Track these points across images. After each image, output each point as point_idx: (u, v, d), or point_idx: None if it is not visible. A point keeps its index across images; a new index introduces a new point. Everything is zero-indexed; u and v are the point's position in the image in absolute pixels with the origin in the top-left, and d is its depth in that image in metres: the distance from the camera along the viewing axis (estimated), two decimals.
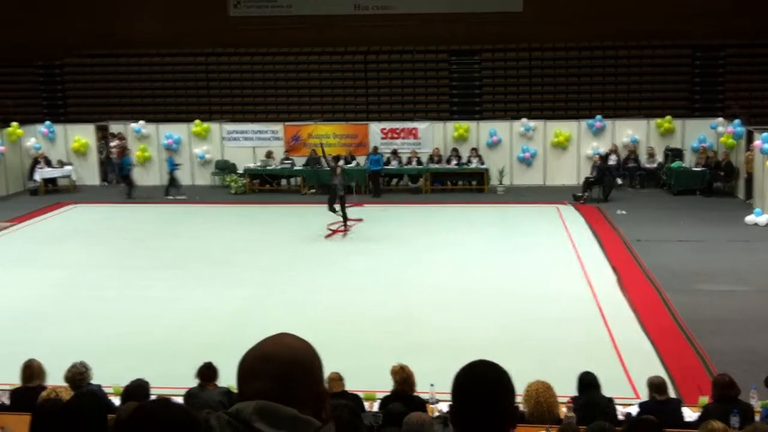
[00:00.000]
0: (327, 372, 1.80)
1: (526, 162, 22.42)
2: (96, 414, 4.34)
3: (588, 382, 6.84)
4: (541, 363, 8.74)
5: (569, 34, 24.02)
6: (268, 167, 22.15)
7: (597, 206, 19.25)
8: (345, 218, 16.75)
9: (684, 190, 20.43)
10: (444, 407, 6.85)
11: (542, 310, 11.66)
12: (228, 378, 7.65)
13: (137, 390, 6.58)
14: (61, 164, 22.82)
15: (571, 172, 22.17)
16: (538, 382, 6.36)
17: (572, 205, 19.43)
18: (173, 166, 21.46)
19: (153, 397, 6.29)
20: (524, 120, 22.39)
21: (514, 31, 24.22)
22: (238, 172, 22.46)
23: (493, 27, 24.26)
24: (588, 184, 20.16)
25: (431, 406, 6.97)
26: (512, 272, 13.78)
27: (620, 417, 6.66)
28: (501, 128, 22.44)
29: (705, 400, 7.06)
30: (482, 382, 2.13)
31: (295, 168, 22.10)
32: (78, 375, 7.11)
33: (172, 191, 21.18)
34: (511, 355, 8.55)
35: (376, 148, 21.73)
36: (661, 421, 5.58)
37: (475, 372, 2.17)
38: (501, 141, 22.36)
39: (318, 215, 17.64)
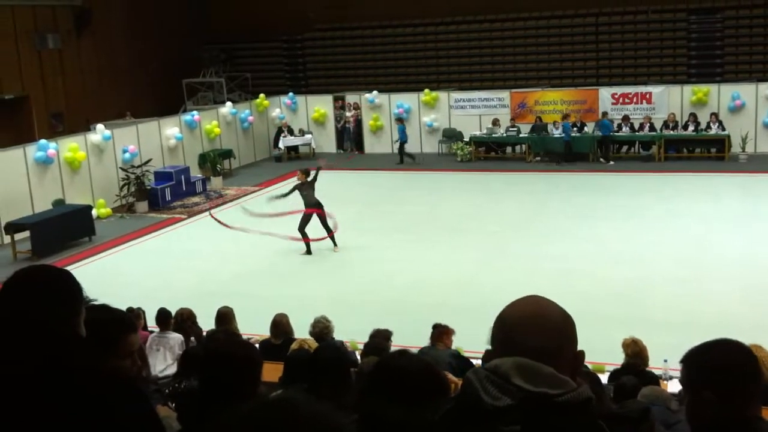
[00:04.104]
0: None
1: None
2: (341, 363, 4.64)
3: None
4: None
5: None
6: (493, 135, 22.22)
7: None
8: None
9: None
10: (678, 385, 6.64)
11: None
12: (457, 340, 7.93)
13: (379, 345, 6.96)
14: (302, 133, 24.35)
15: None
16: (754, 345, 6.03)
17: None
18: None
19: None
20: None
21: None
22: (464, 140, 22.72)
23: None
24: None
25: (664, 382, 6.80)
26: (756, 245, 12.90)
27: None
28: (745, 91, 20.83)
29: None
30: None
31: (521, 135, 21.98)
32: (324, 329, 7.71)
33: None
34: (753, 333, 8.08)
35: (605, 113, 21.04)
36: None
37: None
38: (745, 105, 20.77)
39: (543, 181, 17.38)
